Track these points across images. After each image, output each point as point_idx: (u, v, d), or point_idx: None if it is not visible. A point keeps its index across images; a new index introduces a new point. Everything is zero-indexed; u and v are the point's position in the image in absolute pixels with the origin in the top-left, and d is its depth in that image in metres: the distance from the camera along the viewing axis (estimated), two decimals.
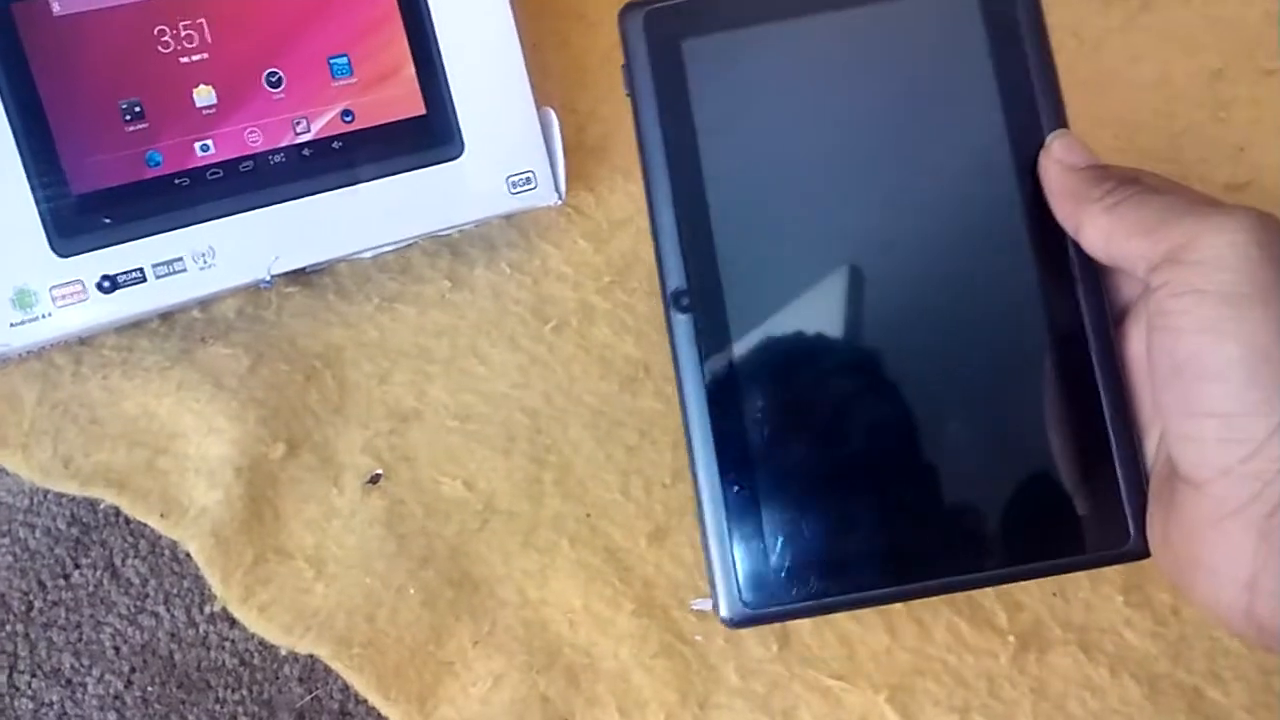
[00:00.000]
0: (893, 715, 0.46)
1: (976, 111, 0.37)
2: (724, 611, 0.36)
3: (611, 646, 0.47)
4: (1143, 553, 0.37)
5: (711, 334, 0.37)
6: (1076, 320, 0.37)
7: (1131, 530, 0.36)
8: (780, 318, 0.37)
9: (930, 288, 0.37)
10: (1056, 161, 0.37)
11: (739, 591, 0.36)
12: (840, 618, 0.48)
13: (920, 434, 0.37)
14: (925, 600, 0.49)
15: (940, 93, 0.37)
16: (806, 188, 0.37)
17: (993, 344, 0.37)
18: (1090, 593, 0.50)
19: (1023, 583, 0.49)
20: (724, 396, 0.37)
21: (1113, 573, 0.50)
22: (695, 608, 0.48)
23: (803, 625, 0.48)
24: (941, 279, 0.37)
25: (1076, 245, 0.37)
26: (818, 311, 0.37)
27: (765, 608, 0.36)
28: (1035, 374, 0.37)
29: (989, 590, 0.49)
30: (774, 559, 0.36)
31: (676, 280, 0.37)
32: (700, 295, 0.37)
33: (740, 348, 0.37)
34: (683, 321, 0.37)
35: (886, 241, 0.37)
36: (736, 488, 0.37)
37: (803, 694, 0.46)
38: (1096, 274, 0.37)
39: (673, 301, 0.37)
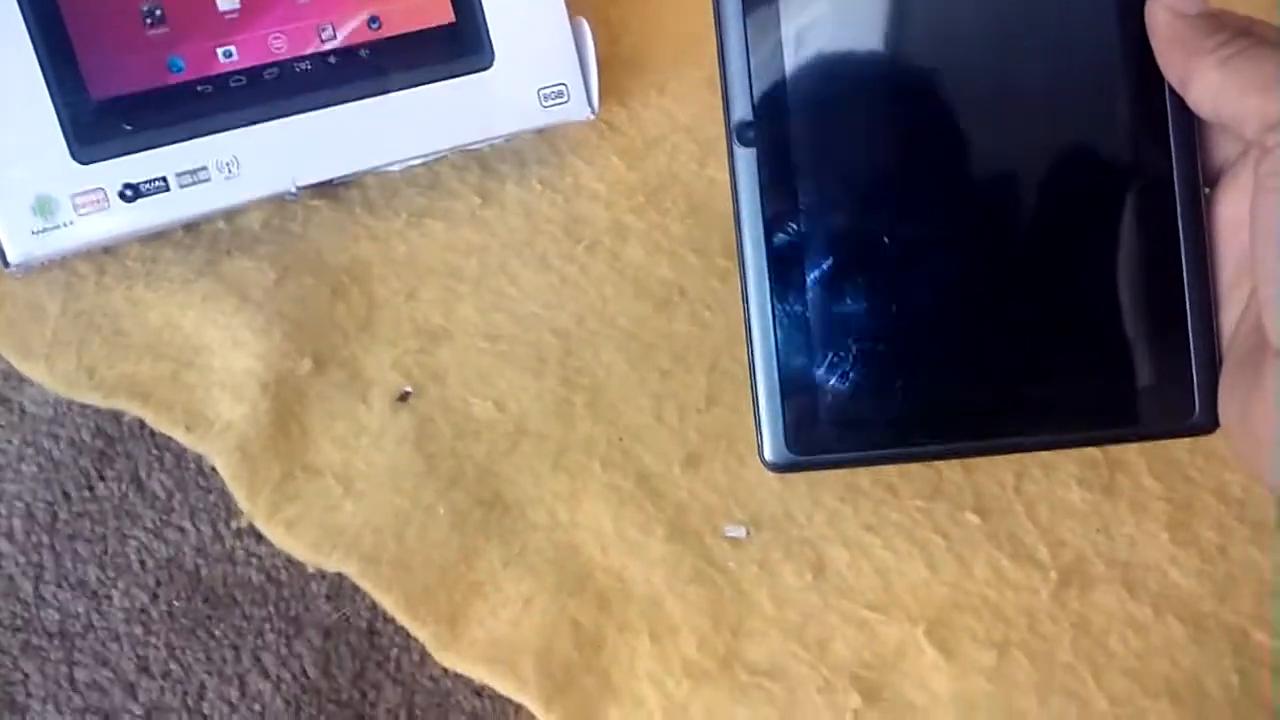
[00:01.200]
0: (930, 648, 0.45)
1: None
2: (768, 454, 0.35)
3: (643, 571, 0.46)
4: (1208, 426, 0.35)
5: (774, 170, 0.35)
6: (1165, 176, 0.34)
7: (1198, 403, 0.35)
8: (847, 156, 0.35)
9: (1012, 128, 0.35)
10: (1166, 7, 0.34)
11: (785, 435, 0.35)
12: (876, 547, 0.47)
13: (985, 285, 0.35)
14: (965, 534, 0.48)
15: None
16: (887, 20, 0.35)
17: (1073, 194, 0.35)
18: (1135, 529, 0.48)
19: (1067, 521, 0.48)
20: (783, 236, 0.35)
21: (1159, 508, 0.49)
22: (729, 534, 0.47)
23: (839, 555, 0.47)
24: (1026, 120, 0.34)
25: (1175, 97, 0.34)
26: (887, 151, 0.35)
27: (811, 454, 0.35)
28: (1114, 230, 0.34)
29: (1030, 525, 0.48)
30: (823, 404, 0.34)
31: (742, 111, 0.35)
32: (765, 129, 0.35)
33: (803, 186, 0.35)
34: (745, 156, 0.35)
35: (968, 77, 0.35)
36: (790, 329, 0.35)
37: (838, 625, 0.45)
38: (1193, 130, 0.34)
39: (736, 134, 0.35)
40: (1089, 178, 0.35)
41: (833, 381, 0.35)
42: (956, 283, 0.35)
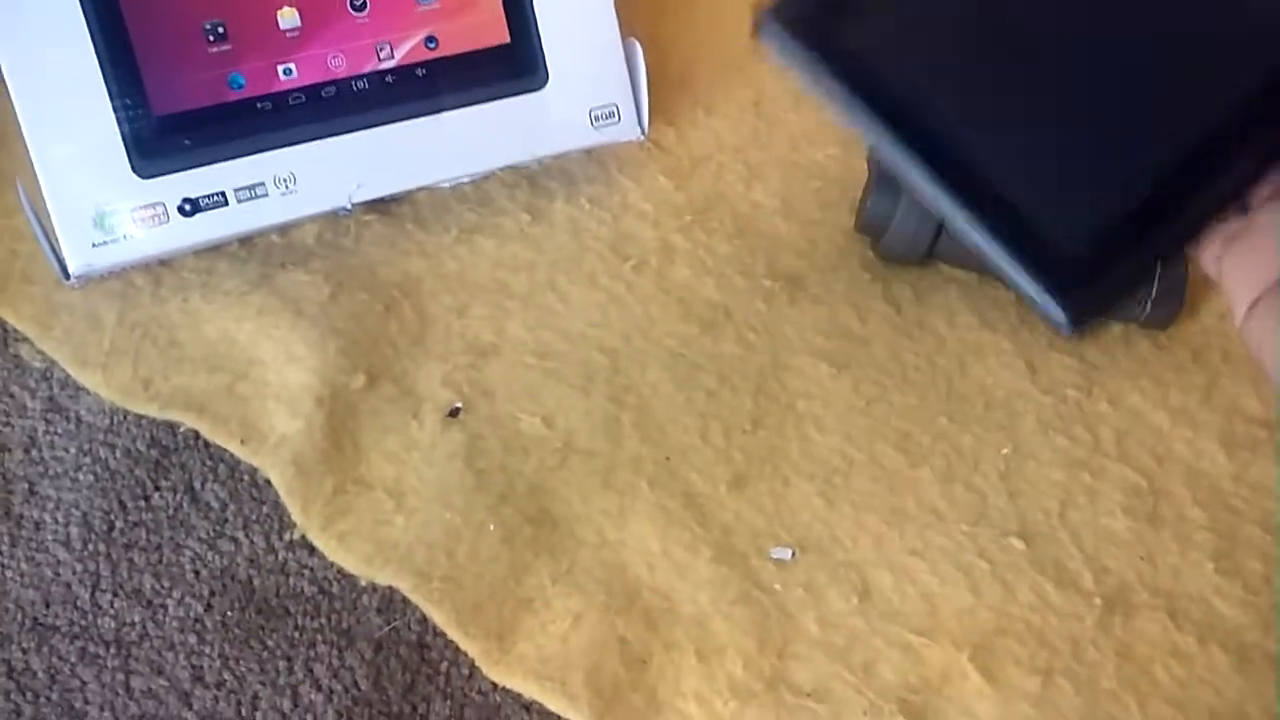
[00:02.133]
0: (975, 674, 0.45)
1: None
2: None
3: (690, 591, 0.47)
4: None
5: None
6: None
7: None
8: None
9: None
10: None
11: None
12: (922, 571, 0.47)
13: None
14: (1010, 559, 0.48)
15: None
16: None
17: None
18: (1179, 558, 0.49)
19: (1111, 548, 0.48)
20: None
21: (1203, 538, 0.49)
22: (775, 556, 0.48)
23: (884, 579, 0.47)
24: None
25: None
26: None
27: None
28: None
29: (1075, 551, 0.48)
30: None
31: None
32: None
33: None
34: None
35: None
36: None
37: (883, 648, 0.46)
38: None
39: None
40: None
41: None
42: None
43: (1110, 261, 0.29)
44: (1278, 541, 0.49)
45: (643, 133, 0.57)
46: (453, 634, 0.45)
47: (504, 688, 0.45)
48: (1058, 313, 0.29)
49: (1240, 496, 0.50)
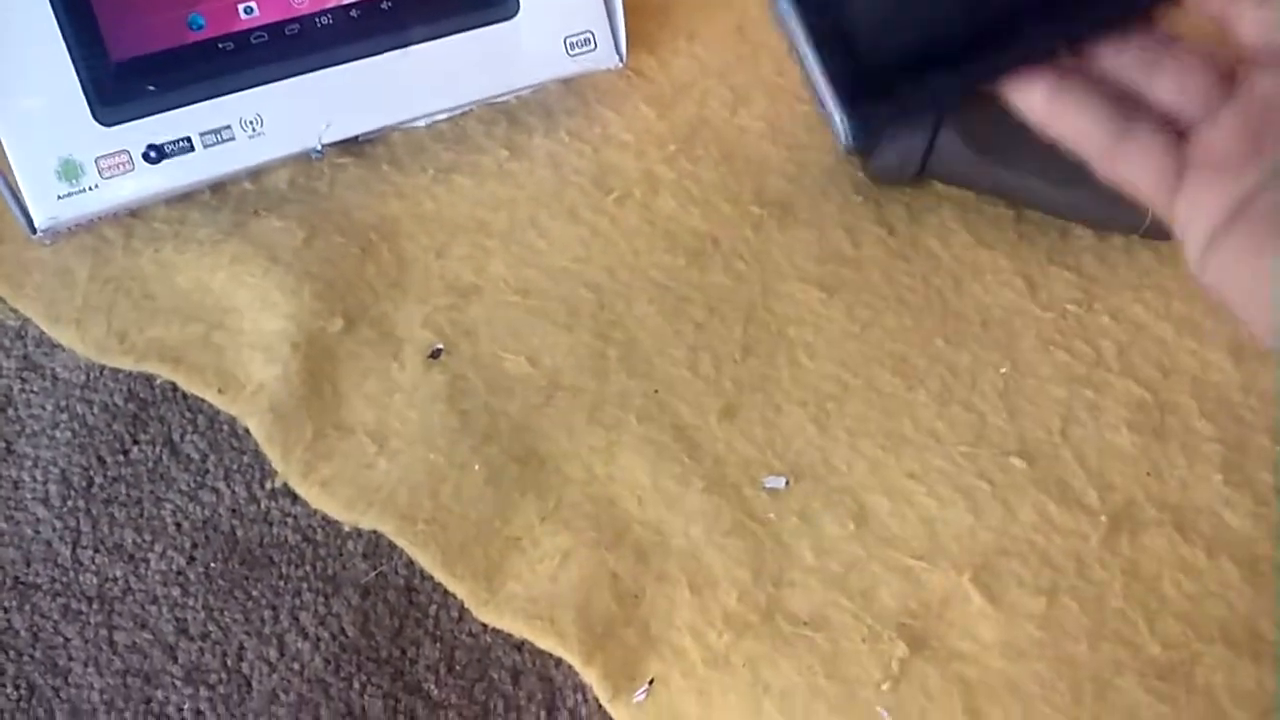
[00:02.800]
0: (976, 596, 0.44)
1: None
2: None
3: (681, 524, 0.45)
4: None
5: None
6: None
7: None
8: None
9: None
10: None
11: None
12: (919, 494, 0.46)
13: None
14: (1010, 479, 0.46)
15: None
16: None
17: None
18: (1186, 471, 0.47)
19: (1116, 464, 0.47)
20: None
21: (1211, 450, 0.47)
22: (768, 485, 0.47)
23: (881, 504, 0.46)
24: None
25: None
26: None
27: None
28: None
29: (1079, 469, 0.47)
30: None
31: None
32: None
33: None
34: None
35: None
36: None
37: (881, 573, 0.45)
38: None
39: None
40: None
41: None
42: None
43: (902, 85, 0.30)
44: None
45: (621, 60, 0.56)
46: (440, 576, 0.44)
47: (494, 629, 0.44)
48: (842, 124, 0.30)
49: (1249, 407, 0.49)
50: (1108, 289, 0.52)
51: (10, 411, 0.48)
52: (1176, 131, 0.30)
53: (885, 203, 0.54)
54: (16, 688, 0.42)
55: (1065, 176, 0.52)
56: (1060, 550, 0.45)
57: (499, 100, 0.56)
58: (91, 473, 0.47)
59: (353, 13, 0.52)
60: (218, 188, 0.53)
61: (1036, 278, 0.52)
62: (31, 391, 0.49)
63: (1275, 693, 0.43)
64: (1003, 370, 0.49)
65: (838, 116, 0.30)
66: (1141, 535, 0.46)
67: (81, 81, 0.49)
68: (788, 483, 0.47)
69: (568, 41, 0.55)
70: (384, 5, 0.52)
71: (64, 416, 0.48)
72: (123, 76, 0.49)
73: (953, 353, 0.50)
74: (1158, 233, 0.52)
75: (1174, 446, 0.48)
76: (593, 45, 0.55)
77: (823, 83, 0.30)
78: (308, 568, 0.45)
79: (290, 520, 0.45)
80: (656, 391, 0.49)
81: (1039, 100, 0.30)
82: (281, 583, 0.44)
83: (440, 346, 0.49)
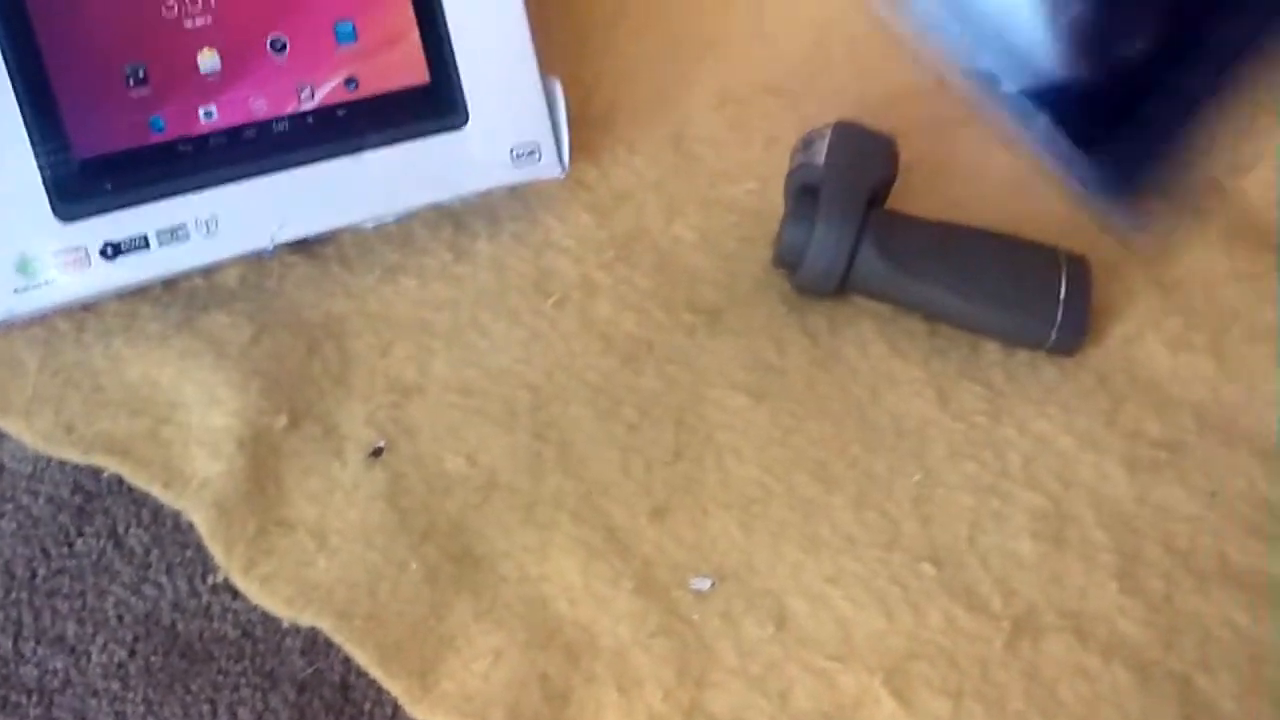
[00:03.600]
0: (887, 698, 0.46)
1: None
2: None
3: (610, 624, 0.47)
4: None
5: None
6: None
7: None
8: None
9: None
10: None
11: None
12: (836, 598, 0.49)
13: None
14: (921, 584, 0.49)
15: None
16: None
17: None
18: (1084, 579, 0.50)
19: (1019, 572, 0.50)
20: None
21: (1107, 559, 0.51)
22: (694, 587, 0.49)
23: (800, 606, 0.49)
24: None
25: None
26: None
27: None
28: None
29: (984, 575, 0.50)
30: None
31: None
32: None
33: None
34: None
35: None
36: None
37: (798, 675, 0.47)
38: None
39: None
40: None
41: None
42: None
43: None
44: None
45: (564, 170, 0.59)
46: (375, 673, 0.46)
47: None
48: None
49: (1142, 518, 0.52)
50: (1014, 402, 0.55)
51: None
52: None
53: (809, 314, 0.58)
54: None
55: (975, 292, 0.56)
56: (966, 654, 0.48)
57: (446, 204, 0.59)
58: (35, 564, 0.48)
59: (308, 119, 0.55)
60: (169, 283, 0.55)
61: (948, 389, 0.55)
62: None
63: None
64: (915, 478, 0.53)
65: (1074, 167, 0.30)
66: (1042, 640, 0.49)
67: (44, 178, 0.51)
68: (713, 584, 0.49)
69: (514, 151, 0.58)
70: (339, 113, 0.55)
71: (9, 507, 0.49)
72: (85, 174, 0.51)
73: (869, 460, 0.53)
74: (1062, 349, 0.56)
75: (1073, 555, 0.51)
76: (538, 156, 0.58)
77: (1049, 140, 0.30)
78: (246, 663, 0.46)
79: (231, 615, 0.47)
80: (589, 492, 0.51)
81: None
82: (221, 677, 0.45)
83: (382, 445, 0.51)
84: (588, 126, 0.63)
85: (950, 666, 0.48)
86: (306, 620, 0.47)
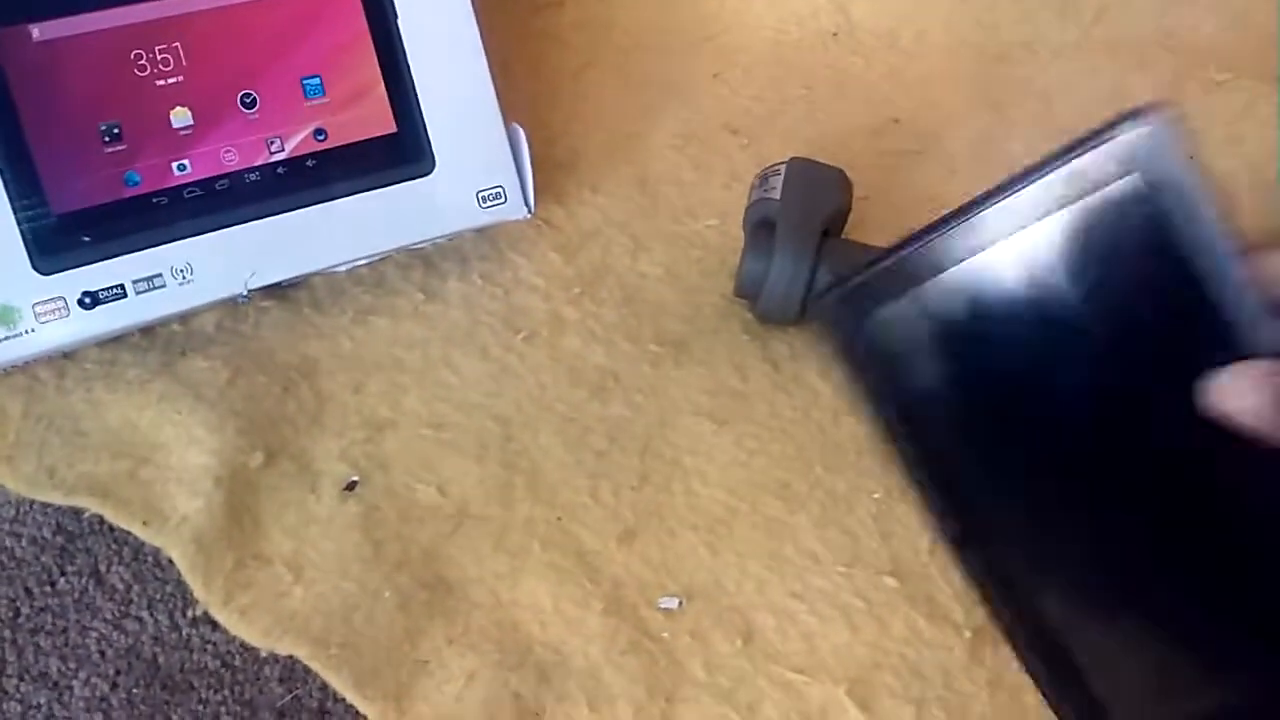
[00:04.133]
0: (852, 707, 0.48)
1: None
2: None
3: (581, 645, 0.49)
4: None
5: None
6: None
7: None
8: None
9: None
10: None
11: None
12: (802, 612, 0.50)
13: None
14: (884, 597, 0.51)
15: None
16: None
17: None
18: None
19: None
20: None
21: None
22: (662, 606, 0.50)
23: (766, 621, 0.50)
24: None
25: None
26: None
27: None
28: None
29: (945, 586, 0.51)
30: None
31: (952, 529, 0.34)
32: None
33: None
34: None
35: None
36: None
37: (766, 688, 0.48)
38: None
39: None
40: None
41: None
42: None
43: None
44: None
45: (529, 211, 0.61)
46: (352, 698, 0.47)
47: None
48: None
49: None
50: None
51: None
52: None
53: (771, 341, 0.59)
54: None
55: None
56: (929, 663, 0.49)
57: (415, 247, 0.61)
58: (19, 603, 0.49)
59: (279, 170, 0.57)
60: (147, 329, 0.57)
61: None
62: None
63: None
64: (876, 495, 0.54)
65: None
66: (1003, 648, 0.50)
67: (22, 233, 0.52)
68: (681, 603, 0.51)
69: (480, 195, 0.60)
70: (309, 163, 0.57)
71: None
72: (62, 229, 0.53)
73: (831, 479, 0.55)
74: None
75: None
76: (503, 199, 0.60)
77: None
78: (226, 692, 0.47)
79: (210, 647, 0.48)
80: (559, 518, 0.53)
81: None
82: (201, 707, 0.47)
83: (355, 479, 0.53)
84: (554, 169, 0.66)
85: (914, 675, 0.49)
86: (284, 649, 0.48)
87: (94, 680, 0.47)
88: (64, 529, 0.51)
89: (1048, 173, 0.31)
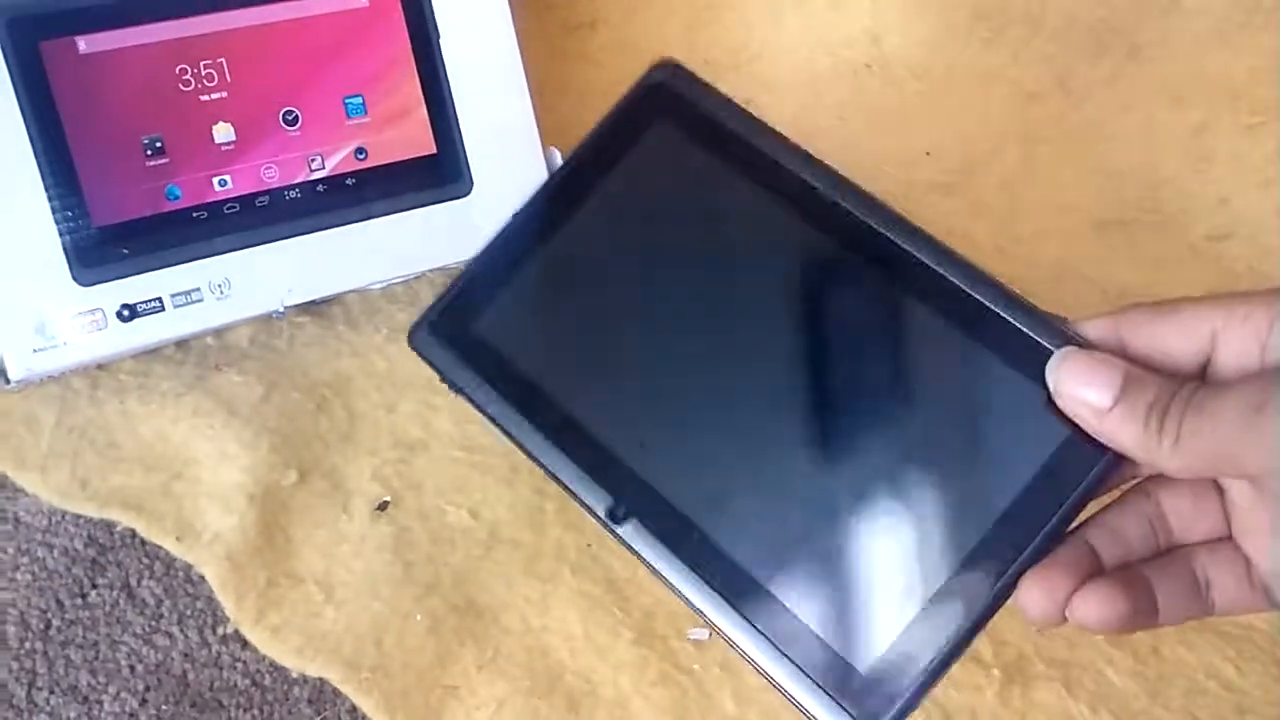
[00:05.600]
0: None
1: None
2: None
3: (611, 674, 0.49)
4: None
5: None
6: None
7: None
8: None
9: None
10: (1082, 404, 0.35)
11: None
12: None
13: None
14: None
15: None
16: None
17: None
18: (1072, 629, 0.51)
19: (1008, 621, 0.51)
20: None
21: None
22: (693, 637, 0.50)
23: None
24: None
25: None
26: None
27: None
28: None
29: None
30: None
31: (603, 502, 0.39)
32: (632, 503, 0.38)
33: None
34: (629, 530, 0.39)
35: None
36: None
37: None
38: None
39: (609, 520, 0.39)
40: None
41: None
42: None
43: None
44: None
45: None
46: None
47: None
48: None
49: None
50: None
51: None
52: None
53: None
54: None
55: None
56: (957, 704, 0.49)
57: (450, 267, 0.61)
58: (50, 615, 0.49)
59: (319, 187, 0.57)
60: (182, 343, 0.57)
61: None
62: None
63: None
64: None
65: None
66: (1032, 690, 0.50)
67: (63, 244, 0.53)
68: (711, 634, 0.51)
69: None
70: (348, 182, 0.57)
71: (24, 560, 0.50)
72: (103, 241, 0.53)
73: None
74: None
75: None
76: None
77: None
78: (255, 711, 0.47)
79: (240, 665, 0.48)
80: (590, 545, 0.53)
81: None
82: None
83: (387, 499, 0.53)
84: None
85: (943, 716, 0.49)
86: (314, 670, 0.48)
87: (123, 695, 0.47)
88: (96, 541, 0.51)
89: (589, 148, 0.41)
